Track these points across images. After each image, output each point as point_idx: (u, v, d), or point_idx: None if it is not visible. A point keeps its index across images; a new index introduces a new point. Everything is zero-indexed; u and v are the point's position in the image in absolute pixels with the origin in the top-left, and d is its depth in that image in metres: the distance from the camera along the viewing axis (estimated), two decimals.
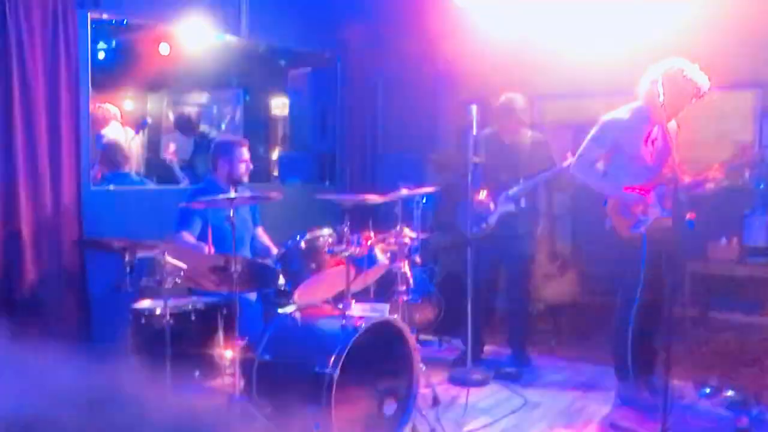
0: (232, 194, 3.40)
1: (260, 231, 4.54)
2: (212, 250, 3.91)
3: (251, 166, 4.29)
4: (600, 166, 4.17)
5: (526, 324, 5.02)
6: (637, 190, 3.98)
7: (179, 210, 4.07)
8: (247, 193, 4.21)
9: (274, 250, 4.30)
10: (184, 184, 5.98)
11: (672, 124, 3.96)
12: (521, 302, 4.95)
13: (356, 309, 3.65)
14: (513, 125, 4.76)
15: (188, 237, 4.03)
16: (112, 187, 4.78)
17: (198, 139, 6.38)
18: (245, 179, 4.24)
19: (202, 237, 4.05)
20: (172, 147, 6.23)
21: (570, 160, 4.40)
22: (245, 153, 4.24)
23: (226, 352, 3.51)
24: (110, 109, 5.93)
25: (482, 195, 4.70)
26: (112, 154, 5.02)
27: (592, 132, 4.11)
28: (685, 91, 3.84)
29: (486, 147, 4.68)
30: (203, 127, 6.49)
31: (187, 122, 6.49)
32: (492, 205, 4.74)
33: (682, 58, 3.90)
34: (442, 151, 6.12)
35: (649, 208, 3.96)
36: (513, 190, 4.73)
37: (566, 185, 4.97)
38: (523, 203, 4.75)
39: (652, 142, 4.01)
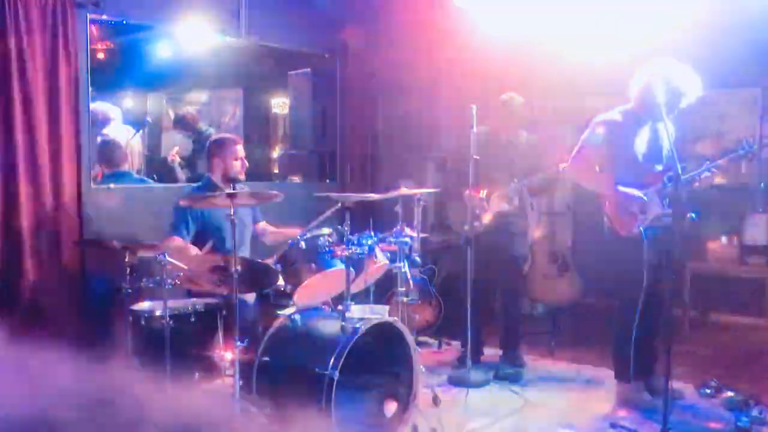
0: (230, 192, 3.38)
1: (265, 225, 4.49)
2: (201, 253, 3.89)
3: (247, 164, 4.25)
4: (596, 167, 4.17)
5: (518, 325, 4.96)
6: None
7: (174, 210, 4.04)
8: (246, 191, 4.21)
9: (295, 232, 4.03)
10: (183, 182, 6.00)
11: (667, 124, 3.95)
12: (514, 303, 4.92)
13: (356, 310, 3.65)
14: (510, 125, 4.74)
15: (177, 241, 3.97)
16: (112, 185, 4.78)
17: (196, 138, 6.41)
18: (241, 177, 4.20)
19: (198, 238, 4.04)
20: (175, 149, 6.24)
21: (563, 165, 4.39)
22: (239, 150, 4.20)
23: (226, 354, 3.51)
24: (111, 108, 5.93)
25: (482, 193, 4.67)
26: (112, 153, 5.02)
27: (586, 133, 4.13)
28: (676, 91, 3.84)
29: (480, 145, 4.66)
30: (201, 126, 6.51)
31: (186, 120, 6.55)
32: (486, 204, 4.67)
33: (672, 59, 3.90)
34: (442, 151, 6.11)
35: (647, 206, 3.96)
36: (507, 189, 4.67)
37: (547, 189, 4.96)
38: (516, 202, 4.72)
39: (646, 142, 4.01)
